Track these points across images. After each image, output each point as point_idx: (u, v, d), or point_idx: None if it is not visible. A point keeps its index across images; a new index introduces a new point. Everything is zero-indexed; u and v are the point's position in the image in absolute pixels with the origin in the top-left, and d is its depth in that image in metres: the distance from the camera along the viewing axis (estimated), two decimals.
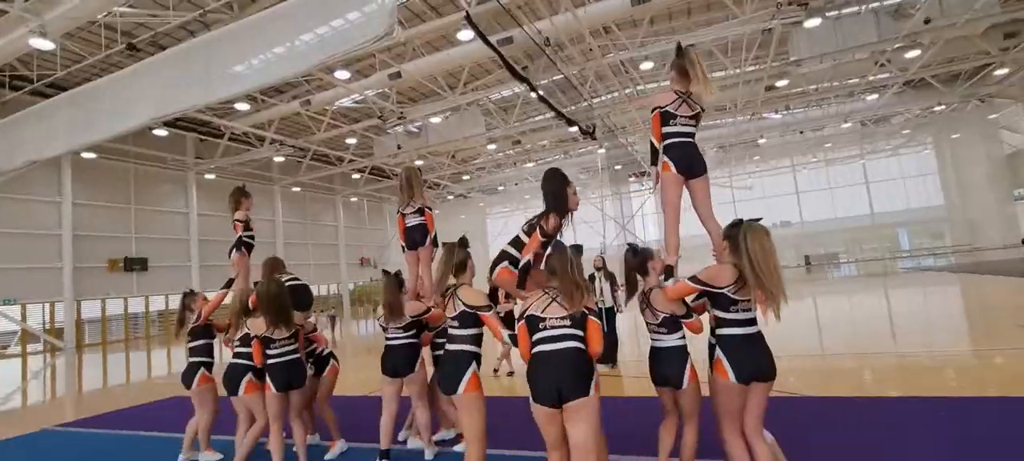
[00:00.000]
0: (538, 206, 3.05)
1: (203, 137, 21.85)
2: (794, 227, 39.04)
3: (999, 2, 14.75)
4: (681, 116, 2.89)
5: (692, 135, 2.94)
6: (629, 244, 3.05)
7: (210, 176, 24.08)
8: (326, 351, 4.54)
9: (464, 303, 2.92)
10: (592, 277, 7.10)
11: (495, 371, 7.20)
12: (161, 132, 19.77)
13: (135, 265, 21.64)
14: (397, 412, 3.87)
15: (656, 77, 19.72)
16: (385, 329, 3.88)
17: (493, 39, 13.15)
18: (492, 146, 25.84)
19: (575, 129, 19.12)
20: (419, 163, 26.10)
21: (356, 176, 30.17)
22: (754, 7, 13.13)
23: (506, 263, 2.98)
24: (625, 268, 3.01)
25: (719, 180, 35.37)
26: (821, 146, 35.09)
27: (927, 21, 14.20)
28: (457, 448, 3.98)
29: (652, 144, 2.94)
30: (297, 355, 3.84)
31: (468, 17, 8.97)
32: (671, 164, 2.87)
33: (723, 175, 35.64)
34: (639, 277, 2.95)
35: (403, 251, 4.11)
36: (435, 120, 20.78)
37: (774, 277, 2.40)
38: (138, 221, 22.17)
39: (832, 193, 38.76)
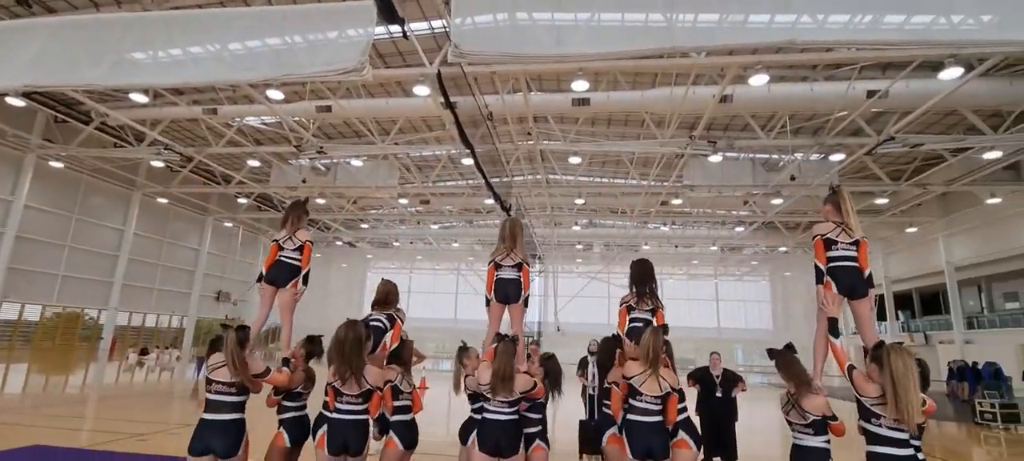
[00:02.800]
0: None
1: (62, 118, 18.30)
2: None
3: (837, 176, 18.68)
4: (842, 243, 3.23)
5: (855, 259, 3.23)
6: (787, 345, 3.35)
7: (56, 164, 20.00)
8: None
9: None
10: (584, 361, 7.00)
11: None
12: (17, 101, 16.26)
13: None
14: None
15: (587, 170, 21.15)
16: (483, 399, 3.36)
17: (441, 100, 13.34)
18: (404, 200, 25.25)
19: (488, 201, 19.63)
20: (321, 200, 24.46)
21: (242, 200, 27.15)
22: (672, 132, 15.04)
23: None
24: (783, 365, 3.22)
25: (600, 275, 38.31)
26: (688, 261, 39.78)
27: (793, 178, 17.39)
28: None
29: (816, 266, 3.29)
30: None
31: (439, 77, 9.02)
32: (833, 284, 3.21)
33: (603, 270, 38.50)
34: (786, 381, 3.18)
35: (487, 304, 3.84)
36: (357, 163, 19.87)
37: (905, 398, 2.62)
38: None
39: (689, 304, 43.79)
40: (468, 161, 19.60)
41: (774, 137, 15.44)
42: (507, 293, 3.79)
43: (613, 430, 3.43)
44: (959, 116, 15.25)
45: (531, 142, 16.61)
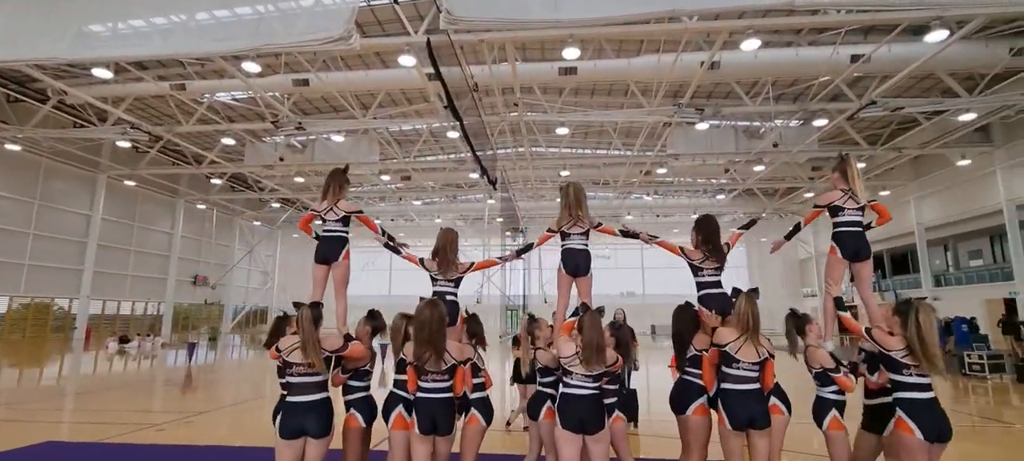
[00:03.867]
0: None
1: (16, 97, 17.17)
2: (637, 298, 43.82)
3: (817, 142, 18.99)
4: (848, 208, 3.45)
5: (860, 224, 3.46)
6: (791, 310, 3.44)
7: (13, 146, 18.86)
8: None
9: None
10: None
11: (508, 424, 6.54)
12: None
13: None
14: None
15: (570, 142, 21.01)
16: (564, 373, 3.27)
17: (427, 71, 12.93)
18: (386, 177, 24.75)
19: (473, 175, 19.38)
20: (299, 178, 23.78)
21: (217, 181, 26.19)
22: (659, 101, 14.96)
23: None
24: (786, 328, 3.45)
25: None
26: (669, 231, 40.39)
27: (775, 145, 17.59)
28: None
29: (798, 224, 3.76)
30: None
31: (429, 45, 8.67)
32: (837, 249, 3.48)
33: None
34: (798, 337, 3.38)
35: (559, 274, 3.72)
36: (338, 138, 19.29)
37: (931, 350, 2.78)
38: None
39: (670, 271, 44.61)
40: (452, 134, 19.26)
41: (759, 104, 15.51)
42: (577, 264, 3.64)
43: (702, 400, 3.31)
44: (935, 80, 15.56)
45: (515, 114, 16.34)
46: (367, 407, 3.40)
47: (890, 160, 21.48)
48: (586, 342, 3.09)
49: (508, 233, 35.74)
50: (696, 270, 3.55)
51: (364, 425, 3.35)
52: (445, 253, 3.69)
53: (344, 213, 3.68)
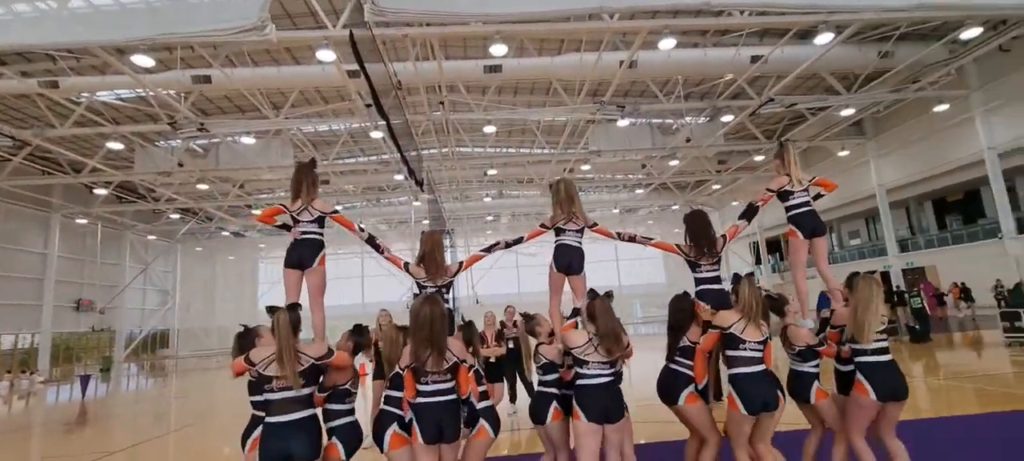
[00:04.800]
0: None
1: None
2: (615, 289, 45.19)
3: (723, 137, 20.50)
4: (796, 192, 3.70)
5: (809, 203, 3.72)
6: (766, 292, 3.46)
7: None
8: None
9: None
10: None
11: None
12: None
13: None
14: None
15: (495, 141, 20.93)
16: (578, 364, 3.21)
17: (347, 68, 12.28)
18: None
19: (398, 177, 18.77)
20: (202, 186, 21.70)
21: (101, 191, 23.20)
22: (581, 100, 15.35)
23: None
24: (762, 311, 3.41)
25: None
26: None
27: (688, 140, 18.73)
28: None
29: (752, 204, 3.79)
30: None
31: (351, 38, 8.16)
32: (797, 231, 3.71)
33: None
34: (777, 317, 3.46)
35: (552, 273, 3.64)
36: (247, 141, 17.80)
37: (866, 316, 3.06)
38: None
39: (593, 266, 46.16)
40: (375, 135, 18.50)
41: (672, 102, 16.40)
42: (570, 262, 3.59)
43: (691, 389, 3.34)
44: (819, 79, 17.34)
45: (440, 113, 16.01)
46: (351, 434, 3.00)
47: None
48: (602, 329, 3.02)
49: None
50: (694, 266, 3.58)
51: (343, 457, 2.94)
52: (433, 257, 3.42)
53: (319, 213, 3.34)
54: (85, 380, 14.60)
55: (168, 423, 9.77)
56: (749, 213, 3.82)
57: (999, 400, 6.50)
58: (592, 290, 3.28)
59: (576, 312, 3.34)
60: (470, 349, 3.25)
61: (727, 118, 17.86)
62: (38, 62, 13.73)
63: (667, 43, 11.51)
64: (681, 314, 3.52)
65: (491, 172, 23.63)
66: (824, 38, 12.26)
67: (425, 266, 3.40)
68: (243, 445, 2.96)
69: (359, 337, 3.28)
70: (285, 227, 3.34)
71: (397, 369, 3.01)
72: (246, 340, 3.05)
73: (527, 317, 3.68)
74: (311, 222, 3.31)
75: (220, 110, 17.84)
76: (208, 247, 36.37)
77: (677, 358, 3.45)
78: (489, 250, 4.05)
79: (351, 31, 8.18)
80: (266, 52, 13.41)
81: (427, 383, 2.85)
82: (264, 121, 15.64)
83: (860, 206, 24.39)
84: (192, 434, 8.35)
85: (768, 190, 3.84)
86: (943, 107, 17.96)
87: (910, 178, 20.99)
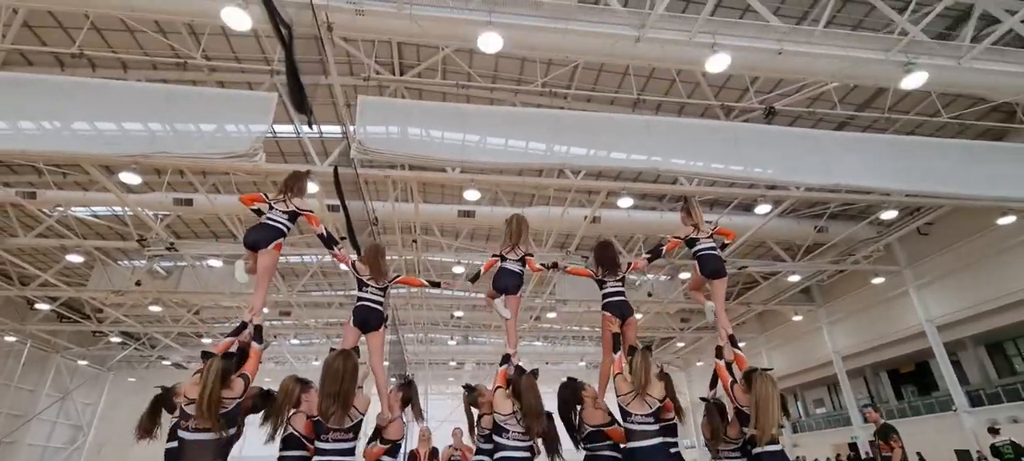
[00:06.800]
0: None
1: None
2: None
3: (683, 294, 21.41)
4: (701, 238, 4.22)
5: (713, 249, 4.21)
6: (568, 378, 3.77)
7: None
8: None
9: None
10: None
11: None
12: None
13: None
14: None
15: (464, 284, 21.21)
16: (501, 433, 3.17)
17: (327, 203, 12.91)
18: (264, 310, 22.61)
19: None
20: (155, 308, 20.83)
21: (43, 306, 21.90)
22: (548, 249, 16.18)
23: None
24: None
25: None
26: (557, 380, 40.78)
27: (649, 294, 19.48)
28: None
29: (659, 247, 4.52)
30: None
31: (335, 175, 8.83)
32: (698, 267, 4.26)
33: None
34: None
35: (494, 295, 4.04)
36: (215, 264, 17.69)
37: (768, 416, 3.22)
38: None
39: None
40: (344, 268, 18.66)
41: (634, 256, 17.41)
42: (506, 285, 4.10)
43: None
44: (767, 247, 18.88)
45: (412, 255, 16.51)
46: None
47: (741, 314, 24.63)
48: (525, 407, 3.09)
49: (393, 378, 33.54)
50: (601, 284, 4.16)
51: None
52: (375, 259, 3.81)
53: (294, 209, 3.65)
54: None
55: None
56: (655, 254, 4.45)
57: None
58: (519, 367, 3.37)
59: (520, 371, 3.41)
60: (411, 407, 3.21)
61: (685, 275, 18.86)
62: (24, 174, 13.97)
63: (625, 201, 12.67)
64: (568, 395, 3.73)
65: (458, 314, 23.60)
66: (762, 209, 13.70)
67: (369, 265, 3.77)
68: None
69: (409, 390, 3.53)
70: (258, 213, 3.58)
71: (292, 431, 2.92)
72: (159, 404, 3.16)
73: (469, 388, 3.81)
74: (283, 213, 3.62)
75: (194, 234, 17.97)
76: (143, 378, 33.42)
77: (587, 445, 3.52)
78: (433, 284, 4.88)
79: (335, 168, 8.86)
80: (252, 183, 14.07)
81: (328, 440, 2.74)
82: (236, 245, 15.74)
83: (819, 372, 24.80)
84: None
85: (675, 237, 4.36)
86: (879, 280, 19.48)
87: (862, 346, 21.63)
